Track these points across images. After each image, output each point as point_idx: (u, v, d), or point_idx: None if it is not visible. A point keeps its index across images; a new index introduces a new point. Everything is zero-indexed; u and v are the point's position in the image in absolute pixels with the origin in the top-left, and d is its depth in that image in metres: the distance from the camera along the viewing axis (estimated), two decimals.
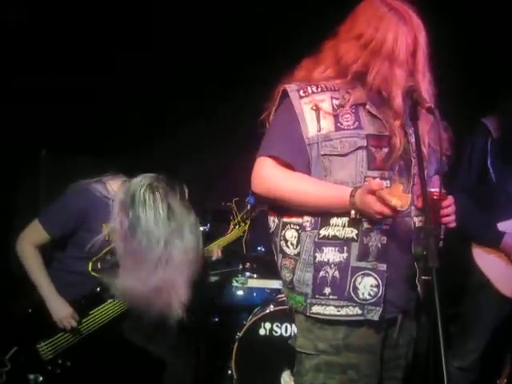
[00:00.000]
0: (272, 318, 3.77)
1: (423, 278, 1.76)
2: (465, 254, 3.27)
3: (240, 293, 4.04)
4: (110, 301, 3.10)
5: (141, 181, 2.94)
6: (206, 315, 4.37)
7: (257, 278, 4.20)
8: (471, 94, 3.89)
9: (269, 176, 2.12)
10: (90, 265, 3.10)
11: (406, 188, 2.07)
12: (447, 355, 1.69)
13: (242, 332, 3.75)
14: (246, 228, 3.69)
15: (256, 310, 3.95)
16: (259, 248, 4.28)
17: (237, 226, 3.69)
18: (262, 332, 3.76)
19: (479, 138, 3.23)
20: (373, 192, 1.91)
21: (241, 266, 4.14)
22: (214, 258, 3.62)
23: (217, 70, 4.59)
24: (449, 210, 2.06)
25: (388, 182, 2.07)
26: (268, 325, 3.76)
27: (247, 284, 3.97)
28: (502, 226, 3.19)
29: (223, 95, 4.59)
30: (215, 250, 3.62)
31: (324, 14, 2.24)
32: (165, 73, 4.57)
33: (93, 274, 3.10)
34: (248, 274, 4.20)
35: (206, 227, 4.18)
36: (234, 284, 4.00)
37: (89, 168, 4.40)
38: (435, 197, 2.01)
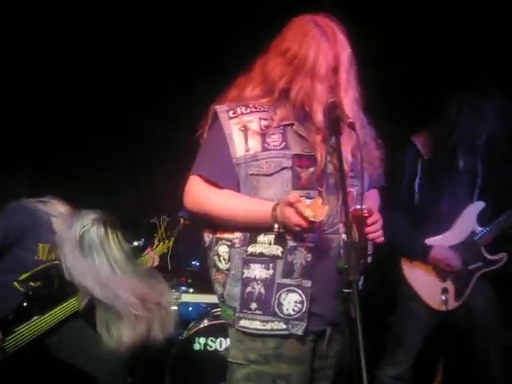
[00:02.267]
0: (207, 332, 3.77)
1: (345, 291, 1.82)
2: (395, 266, 3.38)
3: (175, 308, 4.00)
4: (36, 317, 3.06)
5: (91, 220, 2.94)
6: None
7: (192, 292, 4.20)
8: (400, 110, 4.01)
9: (197, 193, 2.17)
10: (20, 281, 3.06)
11: (335, 205, 2.12)
12: (370, 365, 1.75)
13: (176, 347, 3.74)
14: (170, 245, 3.70)
15: (191, 324, 3.96)
16: (194, 262, 4.30)
17: (161, 243, 3.69)
18: (196, 347, 3.76)
19: (409, 159, 3.33)
20: (291, 204, 1.97)
21: (174, 281, 4.13)
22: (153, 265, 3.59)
23: (155, 85, 4.60)
24: (374, 226, 2.11)
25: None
26: (202, 339, 3.76)
27: (181, 299, 3.95)
28: (430, 241, 3.30)
29: (160, 111, 4.60)
30: (151, 259, 3.59)
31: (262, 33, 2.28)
32: (100, 86, 4.55)
33: (21, 289, 3.06)
34: (184, 288, 4.20)
35: (140, 242, 4.17)
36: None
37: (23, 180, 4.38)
38: (362, 214, 2.06)
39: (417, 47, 4.22)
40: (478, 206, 3.31)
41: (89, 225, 2.91)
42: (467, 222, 3.31)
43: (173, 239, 3.73)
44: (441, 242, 3.30)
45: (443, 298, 3.23)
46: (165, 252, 3.71)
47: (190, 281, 4.22)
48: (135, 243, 4.12)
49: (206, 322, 3.82)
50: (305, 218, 1.94)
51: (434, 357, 3.71)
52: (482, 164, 3.32)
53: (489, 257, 3.31)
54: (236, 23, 4.25)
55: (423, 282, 3.31)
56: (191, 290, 4.20)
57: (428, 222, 3.32)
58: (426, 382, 3.75)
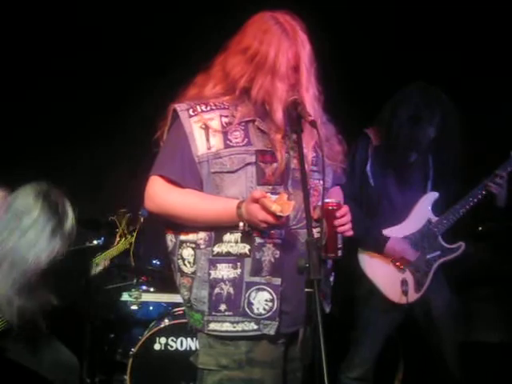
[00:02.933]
0: (167, 332, 3.72)
1: (306, 290, 1.80)
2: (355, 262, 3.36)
3: (135, 307, 3.96)
4: None
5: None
6: (101, 331, 4.27)
7: (153, 291, 4.15)
8: (356, 109, 4.03)
9: (158, 193, 2.14)
10: None
11: (301, 200, 2.07)
12: (329, 368, 1.71)
13: (137, 348, 3.67)
14: (132, 240, 3.63)
15: (152, 324, 3.91)
16: (154, 262, 4.24)
17: (122, 239, 3.62)
18: (157, 347, 3.71)
19: (360, 145, 3.36)
20: (256, 200, 1.94)
21: (135, 280, 4.07)
22: (101, 268, 3.54)
23: (114, 83, 4.53)
24: (344, 219, 2.10)
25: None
26: (163, 339, 3.71)
27: (141, 298, 3.89)
28: (386, 232, 3.31)
29: (117, 112, 4.53)
30: (102, 262, 3.55)
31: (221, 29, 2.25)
32: (52, 84, 4.46)
33: None
34: (144, 287, 4.15)
35: (99, 241, 4.10)
36: (128, 299, 3.91)
37: None
38: (330, 207, 2.07)
39: (373, 45, 4.28)
40: (432, 195, 3.35)
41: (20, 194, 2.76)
42: (422, 211, 3.34)
43: (135, 234, 3.65)
44: (397, 232, 3.31)
45: (403, 289, 3.22)
46: (127, 248, 3.63)
47: (150, 280, 4.15)
48: (95, 242, 4.07)
49: (166, 322, 3.77)
50: (271, 214, 1.92)
51: (395, 355, 3.71)
52: (433, 157, 3.38)
53: (446, 245, 3.34)
54: (193, 20, 4.22)
55: (382, 274, 3.30)
56: (152, 290, 4.14)
57: (382, 211, 3.33)
58: (388, 381, 3.77)
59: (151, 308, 4.25)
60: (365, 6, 4.20)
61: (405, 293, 3.22)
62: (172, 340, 3.73)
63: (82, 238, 4.07)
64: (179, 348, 3.73)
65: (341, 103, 2.98)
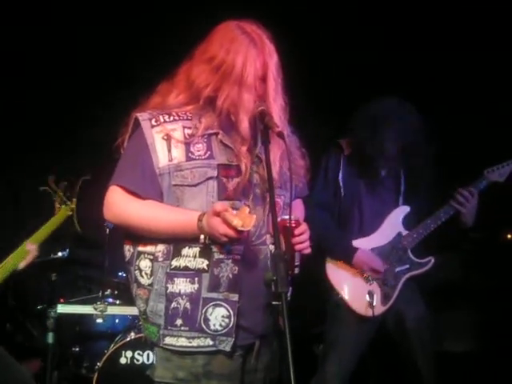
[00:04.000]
0: (133, 345, 3.68)
1: (273, 303, 1.77)
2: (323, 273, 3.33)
3: (100, 320, 3.87)
4: None
5: None
6: (66, 344, 4.19)
7: (119, 304, 4.08)
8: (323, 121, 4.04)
9: (116, 203, 2.09)
10: None
11: (261, 216, 2.09)
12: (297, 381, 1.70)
13: (102, 362, 3.63)
14: (74, 206, 3.47)
15: (117, 337, 3.85)
16: (120, 274, 4.18)
17: (62, 206, 3.43)
18: (122, 361, 3.66)
19: (332, 154, 3.35)
20: (217, 214, 1.91)
21: (100, 293, 4.00)
22: (29, 257, 3.11)
23: (78, 91, 4.48)
24: (302, 237, 2.07)
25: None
26: (129, 353, 3.67)
27: (106, 311, 3.82)
28: (356, 243, 3.29)
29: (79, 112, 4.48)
30: (31, 247, 3.12)
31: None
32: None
33: None
34: (110, 300, 4.08)
35: (65, 252, 4.03)
36: (93, 312, 3.83)
37: None
38: (289, 224, 2.02)
39: (341, 55, 4.28)
40: (403, 209, 3.35)
41: None
42: (393, 224, 3.33)
43: (75, 200, 3.49)
44: (367, 243, 3.29)
45: (369, 301, 3.19)
46: (69, 215, 3.46)
47: (116, 292, 4.08)
48: (59, 254, 4.00)
49: (132, 335, 3.73)
50: (233, 228, 1.88)
51: (366, 368, 3.68)
52: (404, 171, 3.37)
53: (416, 260, 3.33)
54: (157, 29, 4.19)
55: (348, 286, 3.27)
56: (118, 302, 4.07)
57: (352, 221, 3.32)
58: None
59: (117, 321, 4.21)
60: (333, 16, 4.21)
61: (371, 305, 3.19)
62: (138, 354, 3.68)
63: (45, 250, 4.00)
64: (145, 362, 3.69)
65: (307, 115, 2.97)
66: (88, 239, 4.12)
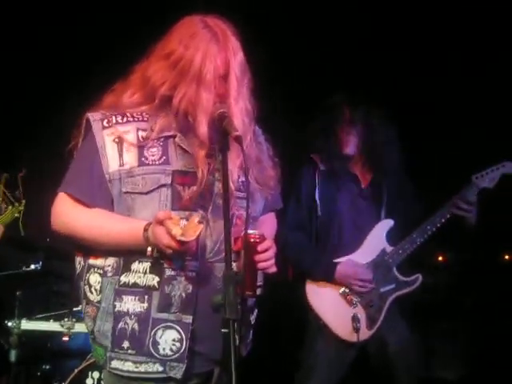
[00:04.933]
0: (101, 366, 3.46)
1: (222, 330, 1.57)
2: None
3: (67, 338, 3.67)
4: None
5: None
6: (35, 362, 4.00)
7: None
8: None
9: (62, 211, 1.96)
10: None
11: (221, 230, 1.84)
12: None
13: (67, 382, 3.43)
14: (22, 208, 3.30)
15: (89, 356, 3.64)
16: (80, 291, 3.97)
17: (9, 207, 3.27)
18: (89, 382, 3.46)
19: (306, 172, 3.18)
20: (160, 222, 1.74)
21: (68, 309, 3.79)
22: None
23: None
24: (266, 254, 1.89)
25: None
26: (96, 374, 3.45)
27: (74, 328, 3.61)
28: (336, 261, 3.08)
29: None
30: None
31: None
32: None
33: None
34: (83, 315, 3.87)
35: (37, 265, 3.86)
36: (60, 329, 3.63)
37: None
38: (252, 239, 1.85)
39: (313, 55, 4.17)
40: (386, 223, 3.16)
41: None
42: (377, 240, 3.14)
43: (24, 202, 3.32)
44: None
45: (354, 326, 2.97)
46: (16, 217, 3.30)
47: None
48: (32, 266, 3.84)
49: None
50: (174, 238, 1.70)
51: None
52: (386, 181, 3.20)
53: (402, 278, 3.13)
54: (115, 25, 4.01)
55: (331, 310, 3.05)
56: None
57: (331, 239, 3.12)
58: None
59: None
60: (304, 16, 4.10)
61: (356, 330, 2.98)
62: None
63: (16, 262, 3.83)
64: None
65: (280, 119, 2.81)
66: (62, 250, 3.94)
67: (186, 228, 1.70)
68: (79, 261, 2.01)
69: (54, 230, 1.98)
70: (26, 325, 3.63)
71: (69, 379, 3.44)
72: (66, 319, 3.62)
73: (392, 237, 3.14)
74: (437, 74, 4.16)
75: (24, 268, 3.80)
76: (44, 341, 4.00)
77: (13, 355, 3.52)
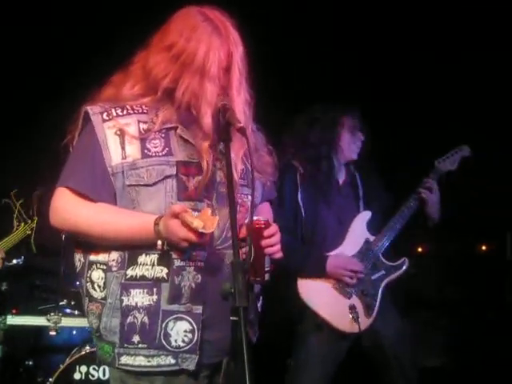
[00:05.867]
0: (89, 360, 3.45)
1: (231, 318, 1.58)
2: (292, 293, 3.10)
3: (54, 333, 3.63)
4: None
5: None
6: (20, 358, 3.96)
7: (78, 315, 3.84)
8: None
9: (64, 207, 1.90)
10: None
11: (226, 217, 1.87)
12: None
13: (54, 377, 3.41)
14: (34, 225, 3.33)
15: (73, 351, 3.63)
16: (78, 283, 3.94)
17: (22, 224, 3.31)
18: (77, 376, 3.44)
19: (287, 176, 3.17)
20: (176, 215, 1.73)
21: (56, 303, 3.77)
22: None
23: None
24: (272, 239, 1.90)
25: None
26: (84, 368, 3.45)
27: (60, 323, 3.58)
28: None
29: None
30: None
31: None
32: None
33: None
34: (68, 311, 3.84)
35: (19, 260, 3.82)
36: (45, 323, 3.59)
37: None
38: (257, 225, 1.86)
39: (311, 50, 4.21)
40: (365, 214, 3.22)
41: None
42: (358, 231, 3.19)
43: (36, 219, 3.34)
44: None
45: (353, 316, 2.99)
46: (28, 234, 3.33)
47: (73, 303, 3.85)
48: (14, 261, 3.80)
49: (87, 349, 3.49)
50: (193, 231, 1.70)
51: None
52: (360, 175, 3.30)
53: (390, 263, 3.19)
54: (112, 17, 3.99)
55: (327, 304, 3.05)
56: (77, 313, 3.84)
57: (317, 240, 3.14)
58: None
59: (74, 333, 3.97)
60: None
61: (355, 320, 2.99)
62: (94, 369, 3.47)
63: None
64: (101, 377, 3.47)
65: (273, 110, 2.82)
66: (45, 246, 3.91)
67: (203, 219, 1.69)
68: (79, 258, 1.97)
69: (53, 226, 1.93)
70: (12, 320, 3.61)
71: (56, 374, 3.43)
72: (52, 314, 3.59)
73: (372, 227, 3.21)
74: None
75: (6, 263, 3.75)
76: (30, 336, 3.98)
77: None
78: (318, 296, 3.07)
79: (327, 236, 3.14)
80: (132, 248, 1.88)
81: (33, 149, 4.24)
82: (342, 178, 3.27)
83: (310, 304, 3.05)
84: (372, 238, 3.19)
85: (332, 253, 3.11)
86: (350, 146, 3.23)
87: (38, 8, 4.07)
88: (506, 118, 4.22)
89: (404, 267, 3.19)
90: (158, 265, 1.87)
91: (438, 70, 4.29)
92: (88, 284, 1.93)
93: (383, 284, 3.16)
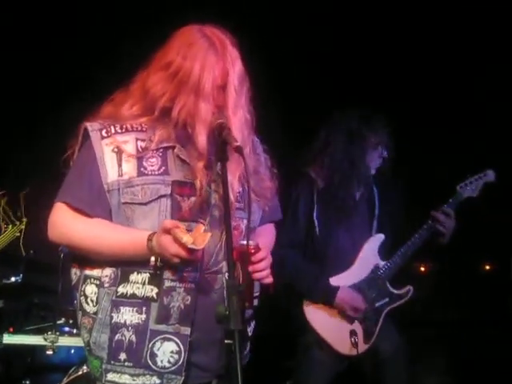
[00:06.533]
0: (85, 380, 3.36)
1: (226, 341, 1.56)
2: (294, 308, 3.11)
3: (51, 352, 3.58)
4: None
5: None
6: (17, 377, 3.91)
7: (76, 334, 3.79)
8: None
9: (61, 221, 1.92)
10: None
11: (219, 240, 1.89)
12: None
13: None
14: (23, 227, 3.26)
15: (71, 370, 3.57)
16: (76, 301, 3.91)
17: (10, 226, 3.25)
18: None
19: (304, 189, 3.14)
20: (168, 231, 1.72)
21: (53, 322, 3.72)
22: None
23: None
24: (261, 264, 1.86)
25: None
26: None
27: (58, 342, 3.54)
28: (333, 280, 3.07)
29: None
30: None
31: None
32: None
33: None
34: (67, 329, 3.80)
35: (18, 277, 3.79)
36: (43, 342, 3.55)
37: None
38: (244, 250, 1.82)
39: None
40: (378, 238, 3.18)
41: None
42: (369, 256, 3.15)
43: (24, 221, 3.28)
44: (345, 280, 3.09)
45: (352, 341, 2.99)
46: (17, 236, 3.27)
47: (71, 321, 3.80)
48: (12, 279, 3.77)
49: (84, 369, 3.42)
50: (184, 246, 1.69)
51: None
52: (378, 194, 3.23)
53: (395, 291, 3.17)
54: (114, 35, 3.99)
55: (329, 327, 3.05)
56: (75, 332, 3.79)
57: (328, 257, 3.10)
58: None
59: (72, 352, 3.91)
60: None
61: (354, 344, 3.01)
62: None
63: None
64: None
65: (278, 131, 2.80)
66: (43, 263, 3.89)
67: (195, 236, 1.69)
68: (75, 271, 1.98)
69: (51, 240, 1.95)
70: (9, 339, 3.56)
71: None
72: (49, 332, 3.55)
73: (383, 249, 3.17)
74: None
75: (4, 280, 3.73)
76: (27, 355, 3.93)
77: None
78: (323, 319, 3.07)
79: (338, 256, 3.11)
80: (127, 264, 1.87)
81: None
82: (358, 193, 3.20)
83: (313, 324, 3.04)
84: (382, 264, 3.16)
85: (341, 276, 3.09)
86: (371, 162, 3.18)
87: (40, 23, 4.10)
88: None
89: (408, 296, 3.18)
90: (149, 284, 1.86)
91: (466, 94, 4.22)
92: (82, 298, 1.95)
93: (385, 311, 3.15)
